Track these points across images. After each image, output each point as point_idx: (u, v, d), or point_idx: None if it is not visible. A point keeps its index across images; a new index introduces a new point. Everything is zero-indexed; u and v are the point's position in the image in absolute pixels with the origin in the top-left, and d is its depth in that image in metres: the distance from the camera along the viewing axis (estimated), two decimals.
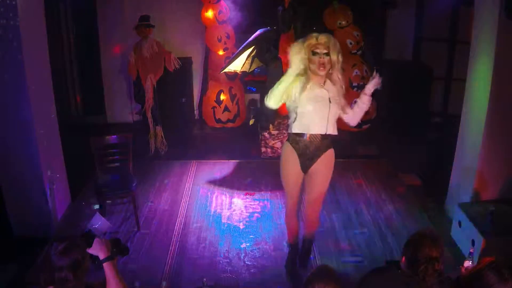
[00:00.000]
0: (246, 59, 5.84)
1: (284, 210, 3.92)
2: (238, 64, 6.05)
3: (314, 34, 3.31)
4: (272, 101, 3.38)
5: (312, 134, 3.39)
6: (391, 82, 7.17)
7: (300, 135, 3.41)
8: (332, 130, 3.43)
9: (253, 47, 5.94)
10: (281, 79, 3.35)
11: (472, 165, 4.36)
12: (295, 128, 3.40)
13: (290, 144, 3.47)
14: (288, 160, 3.50)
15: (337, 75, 3.43)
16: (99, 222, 2.46)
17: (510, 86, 4.04)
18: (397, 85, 7.04)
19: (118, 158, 4.67)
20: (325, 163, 3.49)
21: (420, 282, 2.42)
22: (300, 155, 3.45)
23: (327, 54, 3.29)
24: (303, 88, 3.32)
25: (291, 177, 3.55)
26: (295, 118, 3.38)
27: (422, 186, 5.45)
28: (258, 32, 5.97)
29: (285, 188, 3.65)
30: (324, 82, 3.39)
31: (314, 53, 3.28)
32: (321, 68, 3.31)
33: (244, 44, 6.28)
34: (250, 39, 6.15)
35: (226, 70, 6.19)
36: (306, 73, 3.36)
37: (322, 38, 3.29)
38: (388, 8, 7.18)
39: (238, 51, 6.17)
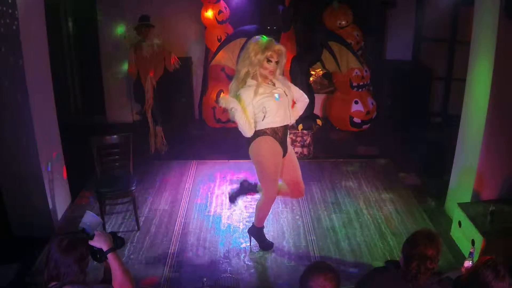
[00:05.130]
0: (234, 53, 5.98)
1: (268, 201, 4.05)
2: (227, 58, 6.14)
3: (271, 43, 3.63)
4: (249, 131, 3.71)
5: (285, 125, 3.79)
6: (391, 82, 7.21)
7: (278, 128, 3.74)
8: (294, 118, 3.91)
9: (242, 40, 6.04)
10: (237, 116, 3.61)
11: (472, 165, 4.36)
12: (271, 124, 3.71)
13: (272, 136, 3.75)
14: (275, 151, 3.81)
15: (279, 73, 3.78)
16: (91, 220, 2.47)
17: (510, 86, 4.04)
18: (397, 85, 7.05)
19: (118, 158, 4.67)
20: (289, 143, 4.01)
21: (413, 279, 2.43)
22: (280, 144, 3.80)
23: (277, 62, 3.65)
24: (256, 93, 3.62)
25: (279, 165, 3.88)
26: (265, 116, 3.68)
27: (422, 186, 5.45)
28: (246, 27, 6.08)
29: (270, 176, 3.88)
30: (270, 80, 3.72)
31: (268, 61, 3.62)
32: (271, 74, 3.68)
33: (229, 35, 6.35)
34: (236, 30, 6.24)
35: (213, 63, 6.31)
36: (247, 77, 3.65)
37: (278, 47, 3.64)
38: (388, 8, 7.18)
39: (222, 42, 6.26)
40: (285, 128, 3.80)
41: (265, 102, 3.63)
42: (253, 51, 3.60)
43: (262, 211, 4.14)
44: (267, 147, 3.77)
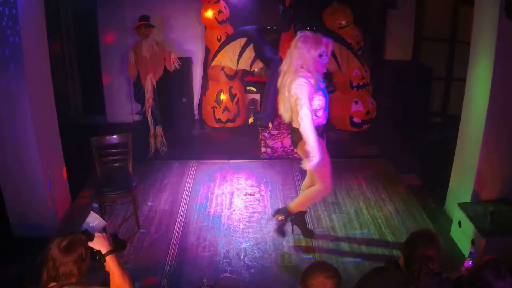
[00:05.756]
0: (234, 54, 6.00)
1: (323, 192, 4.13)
2: (227, 58, 6.17)
3: (323, 38, 3.74)
4: (310, 116, 3.69)
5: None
6: (391, 82, 7.21)
7: (319, 126, 3.86)
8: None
9: (242, 40, 6.07)
10: (304, 100, 3.65)
11: (472, 165, 4.36)
12: (317, 121, 3.80)
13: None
14: (323, 146, 3.88)
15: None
16: (94, 221, 2.46)
17: (510, 86, 4.04)
18: (397, 85, 7.05)
19: (118, 158, 4.67)
20: None
21: (415, 281, 2.43)
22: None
23: (327, 55, 3.82)
24: (315, 89, 3.74)
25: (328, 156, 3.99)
26: (316, 113, 3.79)
27: (422, 186, 5.45)
28: (246, 27, 6.11)
29: (326, 168, 3.94)
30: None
31: (321, 56, 3.73)
32: (324, 68, 3.83)
33: (230, 36, 6.37)
34: (236, 30, 6.27)
35: (213, 64, 6.32)
36: (300, 72, 3.72)
37: (329, 42, 3.79)
38: (388, 8, 7.18)
39: (222, 42, 6.28)
40: (323, 127, 3.92)
41: (318, 99, 3.75)
42: (306, 47, 3.66)
43: (311, 199, 4.22)
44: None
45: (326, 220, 4.76)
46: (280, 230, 4.30)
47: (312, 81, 3.70)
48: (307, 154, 3.70)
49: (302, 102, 3.64)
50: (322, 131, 3.92)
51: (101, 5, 6.91)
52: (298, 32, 3.82)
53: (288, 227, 4.39)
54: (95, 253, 2.35)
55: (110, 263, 2.35)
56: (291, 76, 3.74)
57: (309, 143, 3.63)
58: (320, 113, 3.82)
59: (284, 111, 3.94)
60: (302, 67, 3.71)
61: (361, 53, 6.89)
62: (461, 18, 6.67)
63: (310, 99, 3.67)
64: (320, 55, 3.69)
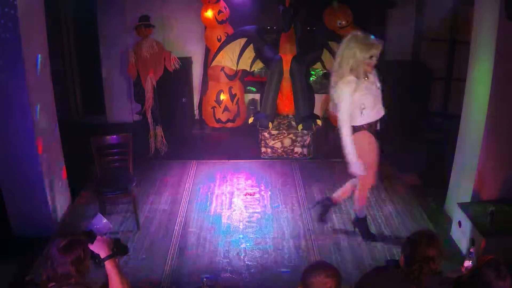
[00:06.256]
0: (234, 54, 6.01)
1: (362, 191, 4.25)
2: (227, 58, 6.18)
3: (375, 40, 3.77)
4: (347, 125, 3.83)
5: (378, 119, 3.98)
6: (391, 82, 7.19)
7: (373, 122, 3.93)
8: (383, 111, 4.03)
9: (242, 41, 6.08)
10: (344, 108, 3.78)
11: (472, 165, 4.36)
12: (368, 119, 3.88)
13: (367, 131, 3.94)
14: (372, 143, 4.00)
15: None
16: (100, 223, 2.45)
17: (510, 86, 4.04)
18: (397, 85, 7.04)
19: (118, 158, 4.67)
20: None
21: (415, 280, 2.43)
22: (374, 136, 4.01)
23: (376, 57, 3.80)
24: (356, 89, 3.76)
25: (376, 155, 4.06)
26: (362, 113, 3.84)
27: (422, 186, 5.45)
28: (246, 27, 6.12)
29: (370, 167, 4.02)
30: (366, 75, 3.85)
31: (371, 57, 3.75)
32: (372, 69, 3.84)
33: (230, 36, 6.39)
34: (237, 30, 6.28)
35: (214, 64, 6.33)
36: (349, 72, 3.76)
37: (379, 44, 3.78)
38: (388, 8, 7.18)
39: (222, 42, 6.30)
40: (377, 121, 3.98)
41: (364, 99, 3.80)
42: (359, 49, 3.69)
43: (359, 199, 4.28)
44: (366, 142, 3.95)
45: (326, 220, 4.76)
46: (367, 236, 4.40)
47: (357, 83, 3.76)
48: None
49: (340, 107, 3.80)
50: (375, 127, 3.99)
51: (101, 5, 6.91)
52: (351, 32, 3.87)
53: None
54: (95, 256, 2.32)
55: (109, 269, 2.32)
56: (337, 77, 3.83)
57: (345, 150, 3.82)
58: (366, 112, 3.86)
59: (332, 109, 4.06)
60: (352, 68, 3.75)
61: None
62: (461, 18, 6.66)
63: (352, 102, 3.77)
64: (371, 56, 3.74)
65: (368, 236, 4.40)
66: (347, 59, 3.74)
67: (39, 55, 4.36)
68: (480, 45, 4.25)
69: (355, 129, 3.89)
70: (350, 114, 3.81)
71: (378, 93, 3.92)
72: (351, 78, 3.76)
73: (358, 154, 3.90)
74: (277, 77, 6.12)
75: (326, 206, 4.48)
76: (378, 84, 3.92)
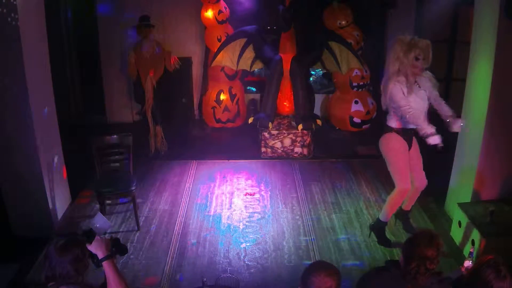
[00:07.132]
0: (234, 54, 6.00)
1: (396, 195, 4.10)
2: (227, 58, 6.19)
3: (416, 41, 3.79)
4: (409, 110, 3.72)
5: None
6: None
7: (410, 128, 3.89)
8: None
9: (242, 41, 6.08)
10: (398, 103, 3.72)
11: (472, 165, 4.36)
12: (407, 124, 3.83)
13: (399, 135, 3.92)
14: (401, 145, 3.97)
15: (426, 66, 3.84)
16: (100, 222, 2.45)
17: (510, 86, 4.04)
18: None
19: (118, 158, 4.67)
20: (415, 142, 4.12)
21: (413, 280, 2.43)
22: (406, 140, 3.96)
23: (424, 59, 3.76)
24: (409, 92, 3.73)
25: (407, 158, 4.02)
26: (401, 116, 3.78)
27: None
28: (246, 27, 6.12)
29: (400, 170, 4.02)
30: (415, 79, 3.80)
31: (417, 59, 3.73)
32: (420, 71, 3.78)
33: (230, 36, 6.39)
34: (237, 31, 6.29)
35: (214, 64, 6.34)
36: (397, 74, 3.75)
37: (424, 43, 3.79)
38: (388, 8, 7.18)
39: (222, 42, 6.31)
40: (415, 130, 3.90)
41: (411, 103, 3.74)
42: (402, 50, 3.72)
43: (391, 204, 4.18)
44: (394, 143, 3.95)
45: (326, 220, 4.76)
46: (382, 240, 4.33)
47: (406, 85, 3.74)
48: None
49: (397, 105, 3.74)
50: (411, 134, 3.97)
51: (101, 5, 6.91)
52: (397, 36, 3.90)
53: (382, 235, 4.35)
54: (93, 256, 2.32)
55: (107, 269, 2.31)
56: (387, 79, 3.83)
57: (420, 128, 3.71)
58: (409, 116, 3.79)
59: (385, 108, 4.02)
60: (399, 70, 3.75)
61: (361, 53, 6.89)
62: (461, 19, 6.66)
63: (402, 98, 3.73)
64: (417, 58, 3.72)
65: (384, 241, 4.33)
66: (394, 61, 3.76)
67: (39, 55, 4.37)
68: (480, 45, 4.25)
69: (385, 129, 3.94)
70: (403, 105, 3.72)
71: (425, 105, 3.82)
72: (400, 78, 3.75)
73: (388, 155, 3.98)
74: (277, 77, 6.12)
75: (405, 218, 4.43)
76: (428, 93, 3.82)
